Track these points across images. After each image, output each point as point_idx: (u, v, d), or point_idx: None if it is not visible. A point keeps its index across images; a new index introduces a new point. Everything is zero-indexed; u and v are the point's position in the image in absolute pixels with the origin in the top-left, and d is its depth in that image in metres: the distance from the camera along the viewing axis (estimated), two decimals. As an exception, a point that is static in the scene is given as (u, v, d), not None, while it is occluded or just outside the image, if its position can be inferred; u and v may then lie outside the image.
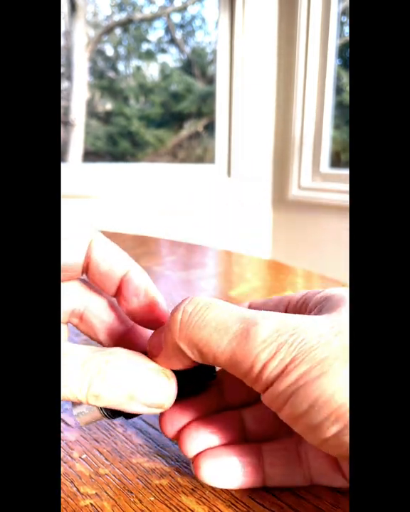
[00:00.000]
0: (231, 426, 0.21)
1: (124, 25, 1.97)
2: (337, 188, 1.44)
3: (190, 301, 0.17)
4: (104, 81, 2.06)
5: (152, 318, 0.21)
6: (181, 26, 1.98)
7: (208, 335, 0.16)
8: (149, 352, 0.19)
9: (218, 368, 0.21)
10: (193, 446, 0.20)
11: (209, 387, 0.22)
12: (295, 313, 0.18)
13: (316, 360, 0.14)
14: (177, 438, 0.21)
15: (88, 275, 0.21)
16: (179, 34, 1.97)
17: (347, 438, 0.13)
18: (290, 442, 0.20)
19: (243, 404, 0.22)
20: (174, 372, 0.19)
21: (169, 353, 0.18)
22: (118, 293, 0.21)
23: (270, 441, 0.21)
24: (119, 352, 0.18)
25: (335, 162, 1.56)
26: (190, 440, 0.20)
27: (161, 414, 0.21)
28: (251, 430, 0.21)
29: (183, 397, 0.20)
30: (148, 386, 0.18)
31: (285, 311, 0.21)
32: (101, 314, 0.22)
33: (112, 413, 0.20)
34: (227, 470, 0.20)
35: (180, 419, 0.21)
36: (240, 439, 0.21)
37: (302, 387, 0.14)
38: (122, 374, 0.18)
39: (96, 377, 0.17)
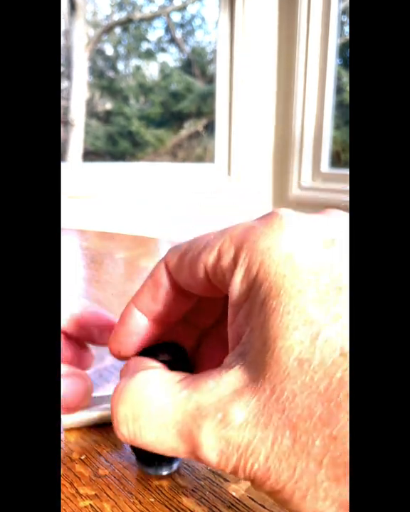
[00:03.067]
0: None
1: (124, 24, 1.97)
2: (338, 188, 1.44)
3: (116, 416, 0.16)
4: (103, 80, 2.06)
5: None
6: (181, 25, 1.98)
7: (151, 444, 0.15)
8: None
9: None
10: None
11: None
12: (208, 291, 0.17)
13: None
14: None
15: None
16: (178, 33, 1.97)
17: None
18: None
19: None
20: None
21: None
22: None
23: None
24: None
25: (336, 162, 1.56)
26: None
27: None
28: None
29: None
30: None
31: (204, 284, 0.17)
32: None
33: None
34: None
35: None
36: None
37: None
38: None
39: None
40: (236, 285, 0.14)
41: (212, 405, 0.13)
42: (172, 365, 0.20)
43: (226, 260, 0.15)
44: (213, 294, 0.17)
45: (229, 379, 0.13)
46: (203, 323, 0.21)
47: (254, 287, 0.14)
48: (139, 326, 0.19)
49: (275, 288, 0.13)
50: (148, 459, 0.21)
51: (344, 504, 0.12)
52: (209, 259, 0.16)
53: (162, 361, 0.20)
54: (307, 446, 0.12)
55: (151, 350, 0.21)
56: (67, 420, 0.25)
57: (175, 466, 0.22)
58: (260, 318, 0.13)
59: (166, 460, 0.21)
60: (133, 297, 0.19)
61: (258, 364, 0.13)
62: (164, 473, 0.22)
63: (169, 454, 0.15)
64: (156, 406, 0.14)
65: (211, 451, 0.13)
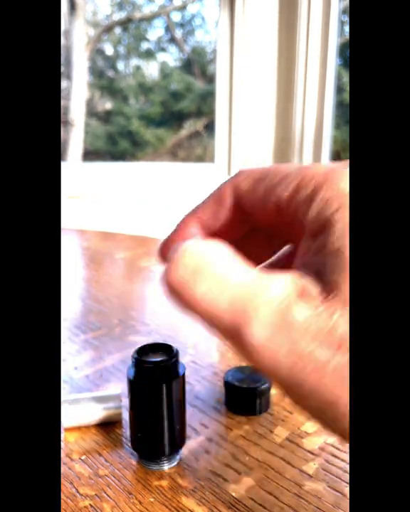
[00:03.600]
0: None
1: (124, 24, 1.97)
2: (337, 188, 1.44)
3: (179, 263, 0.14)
4: (103, 80, 2.05)
5: None
6: (181, 25, 1.98)
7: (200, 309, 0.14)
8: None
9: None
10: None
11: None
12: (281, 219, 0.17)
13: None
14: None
15: None
16: (178, 33, 1.97)
17: None
18: None
19: None
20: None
21: None
22: None
23: None
24: None
25: (336, 161, 1.55)
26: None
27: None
28: None
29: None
30: None
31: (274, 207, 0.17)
32: None
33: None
34: None
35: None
36: None
37: None
38: None
39: None
40: (312, 219, 0.15)
41: (279, 296, 0.13)
42: (166, 366, 0.20)
43: (304, 194, 0.15)
44: (275, 224, 0.18)
45: (300, 282, 0.14)
46: (247, 252, 0.21)
47: (330, 224, 0.14)
48: (195, 234, 0.19)
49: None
50: (149, 456, 0.21)
51: None
52: (286, 190, 0.16)
53: (157, 362, 0.20)
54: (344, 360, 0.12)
55: (146, 349, 0.22)
56: (67, 420, 0.25)
57: (175, 461, 0.22)
58: (334, 251, 0.14)
59: (166, 456, 0.22)
60: (192, 210, 0.19)
61: (332, 285, 0.13)
62: (165, 468, 0.22)
63: (207, 318, 0.14)
64: (223, 268, 0.14)
65: (260, 335, 0.13)
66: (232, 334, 0.13)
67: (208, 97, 1.86)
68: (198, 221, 0.19)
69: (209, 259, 0.14)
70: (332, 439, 0.24)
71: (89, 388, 0.29)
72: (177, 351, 0.21)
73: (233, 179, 0.18)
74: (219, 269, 0.14)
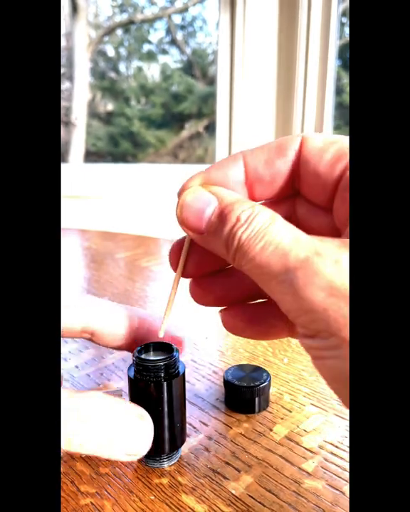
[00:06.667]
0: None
1: (126, 26, 1.97)
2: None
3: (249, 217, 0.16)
4: (105, 82, 2.06)
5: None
6: (182, 27, 1.98)
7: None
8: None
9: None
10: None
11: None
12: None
13: None
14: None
15: (94, 339, 0.23)
16: (179, 35, 1.97)
17: None
18: None
19: None
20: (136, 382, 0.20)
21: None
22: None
23: None
24: (96, 397, 0.18)
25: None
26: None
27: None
28: None
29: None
30: (129, 433, 0.18)
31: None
32: (112, 330, 0.23)
33: None
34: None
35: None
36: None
37: None
38: (103, 420, 0.17)
39: (79, 425, 0.17)
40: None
41: (330, 249, 0.14)
42: (169, 362, 0.21)
43: None
44: (322, 190, 0.18)
45: (348, 242, 0.14)
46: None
47: None
48: (237, 175, 0.19)
49: None
50: (150, 453, 0.21)
51: None
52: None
53: (157, 360, 0.20)
54: None
55: (147, 348, 0.22)
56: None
57: (175, 459, 0.22)
58: None
59: (167, 453, 0.22)
60: (247, 150, 0.19)
61: None
62: (165, 466, 0.22)
63: (260, 264, 0.15)
64: (284, 229, 0.15)
65: (311, 281, 0.14)
66: (274, 283, 0.15)
67: (208, 99, 1.86)
68: (250, 160, 0.18)
69: (271, 224, 0.15)
70: (332, 438, 0.24)
71: (90, 387, 0.29)
72: (177, 350, 0.21)
73: (302, 135, 0.18)
74: (281, 232, 0.15)
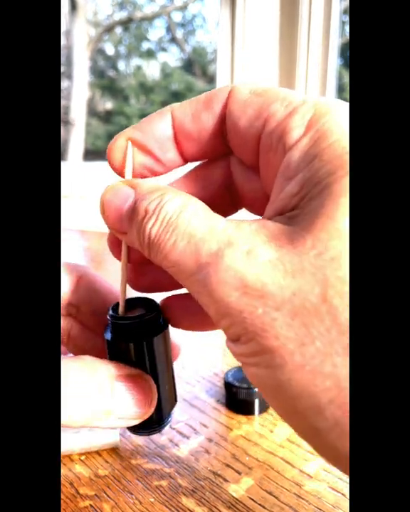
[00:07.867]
0: None
1: (125, 24, 1.97)
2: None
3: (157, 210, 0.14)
4: (104, 80, 2.06)
5: None
6: (182, 25, 1.98)
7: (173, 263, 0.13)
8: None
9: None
10: None
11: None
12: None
13: None
14: None
15: (80, 313, 0.20)
16: (179, 33, 1.97)
17: None
18: None
19: None
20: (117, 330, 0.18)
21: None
22: None
23: None
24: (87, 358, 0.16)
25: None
26: None
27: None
28: None
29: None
30: (118, 396, 0.16)
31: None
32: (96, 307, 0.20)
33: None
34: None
35: None
36: None
37: None
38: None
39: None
40: (301, 148, 0.14)
41: (243, 238, 0.12)
42: (147, 319, 0.18)
43: (298, 120, 0.14)
44: (247, 148, 0.16)
45: (268, 225, 0.13)
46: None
47: (322, 157, 0.13)
48: (164, 130, 0.17)
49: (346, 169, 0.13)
50: (140, 423, 0.19)
51: (340, 397, 0.10)
52: (280, 110, 0.14)
53: (137, 316, 0.18)
54: (336, 309, 0.11)
55: (127, 303, 0.19)
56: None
57: (167, 424, 0.19)
58: (322, 186, 0.13)
59: (156, 420, 0.19)
60: (176, 104, 0.17)
61: (307, 221, 0.12)
62: (154, 434, 0.19)
63: (176, 265, 0.13)
64: (196, 219, 0.13)
65: (223, 279, 0.12)
66: (190, 280, 0.13)
67: (208, 97, 1.85)
68: (178, 114, 0.17)
69: (182, 213, 0.13)
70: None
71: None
72: (158, 305, 0.19)
73: (228, 88, 0.16)
74: (193, 223, 0.13)
